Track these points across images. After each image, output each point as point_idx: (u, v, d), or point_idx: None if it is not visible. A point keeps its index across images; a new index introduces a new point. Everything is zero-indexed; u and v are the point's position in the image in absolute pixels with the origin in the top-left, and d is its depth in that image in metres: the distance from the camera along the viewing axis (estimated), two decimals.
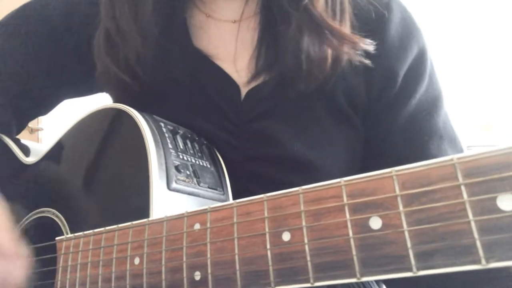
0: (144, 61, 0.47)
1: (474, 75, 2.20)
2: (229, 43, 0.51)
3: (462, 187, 0.22)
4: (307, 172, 0.48)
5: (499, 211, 0.21)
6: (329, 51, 0.45)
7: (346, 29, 0.46)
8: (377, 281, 0.55)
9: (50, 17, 0.56)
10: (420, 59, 0.51)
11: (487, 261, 0.21)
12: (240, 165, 0.48)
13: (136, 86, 0.48)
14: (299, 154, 0.48)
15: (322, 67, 0.45)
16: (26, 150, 0.57)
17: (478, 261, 0.21)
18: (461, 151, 0.52)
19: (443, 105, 0.52)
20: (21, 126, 0.62)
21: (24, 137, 0.61)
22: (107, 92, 0.57)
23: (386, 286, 0.55)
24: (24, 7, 0.58)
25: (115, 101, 0.54)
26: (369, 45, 0.46)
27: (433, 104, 0.51)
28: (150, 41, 0.47)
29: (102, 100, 0.55)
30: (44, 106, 0.63)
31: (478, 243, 0.21)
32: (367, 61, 0.46)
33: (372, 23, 0.49)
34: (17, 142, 0.58)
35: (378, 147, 0.51)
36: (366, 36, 0.46)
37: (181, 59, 0.49)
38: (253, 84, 0.48)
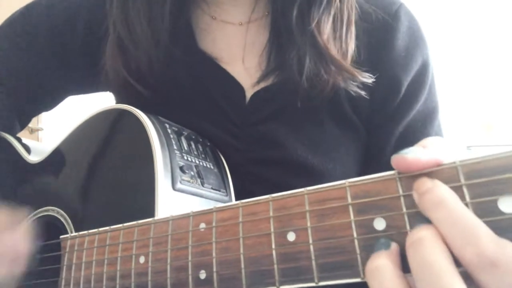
0: (155, 66, 0.48)
1: (475, 75, 2.21)
2: (235, 45, 0.51)
3: (464, 189, 0.23)
4: (310, 176, 0.49)
5: (500, 213, 0.22)
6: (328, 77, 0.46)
7: (349, 53, 0.46)
8: None
9: (52, 15, 0.56)
10: (423, 71, 0.51)
11: None
12: (243, 168, 0.49)
13: (146, 92, 0.48)
14: (302, 158, 0.48)
15: (323, 88, 0.46)
16: (28, 149, 0.57)
17: None
18: None
19: (438, 117, 0.53)
20: (24, 124, 0.63)
21: (24, 137, 0.61)
22: (112, 92, 0.58)
23: None
24: (26, 8, 0.59)
25: (119, 102, 0.54)
26: (367, 78, 0.46)
27: (429, 115, 0.52)
28: (161, 45, 0.47)
29: (104, 100, 0.56)
30: (48, 103, 0.63)
31: None
32: (363, 92, 0.47)
33: (380, 31, 0.49)
34: (19, 141, 0.59)
35: (374, 154, 0.52)
36: (373, 46, 0.47)
37: (186, 62, 0.49)
38: (258, 87, 0.49)
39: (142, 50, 0.47)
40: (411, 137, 0.51)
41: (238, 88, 0.49)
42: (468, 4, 2.23)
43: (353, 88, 0.47)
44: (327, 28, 0.45)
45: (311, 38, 0.44)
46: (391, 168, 0.25)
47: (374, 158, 0.52)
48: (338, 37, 0.46)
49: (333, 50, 0.45)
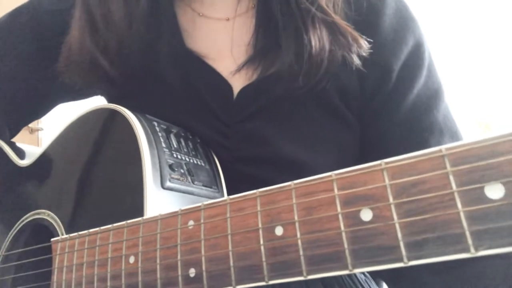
0: (124, 52, 0.46)
1: (474, 74, 2.20)
2: (222, 41, 0.50)
3: (451, 177, 0.22)
4: (299, 172, 0.46)
5: (487, 200, 0.21)
6: (327, 51, 0.44)
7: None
8: (377, 281, 0.56)
9: (41, 22, 0.55)
10: (417, 52, 0.49)
11: (476, 249, 0.21)
12: (231, 166, 0.48)
13: (116, 76, 0.47)
14: (291, 154, 0.47)
15: (319, 67, 0.44)
16: (21, 153, 0.56)
17: (467, 250, 0.21)
18: None
19: (443, 99, 0.50)
20: (15, 131, 0.62)
21: (24, 137, 0.61)
22: (98, 92, 0.57)
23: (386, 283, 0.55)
24: (15, 12, 0.58)
25: (109, 102, 0.54)
26: (366, 47, 0.45)
27: (432, 98, 0.49)
28: (134, 30, 0.46)
29: (100, 102, 0.55)
30: (38, 110, 0.63)
31: (467, 232, 0.21)
32: (358, 62, 0.45)
33: (365, 15, 0.47)
34: (12, 145, 0.58)
35: (376, 144, 0.50)
36: (358, 29, 0.45)
37: (171, 59, 0.48)
38: (245, 82, 0.48)
39: (113, 32, 0.45)
40: (416, 123, 0.48)
41: (225, 85, 0.48)
42: (467, 3, 2.22)
43: (356, 60, 0.45)
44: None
45: (320, 9, 0.43)
46: None
47: (375, 150, 0.50)
48: (333, 6, 0.45)
49: (340, 20, 0.44)
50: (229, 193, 0.46)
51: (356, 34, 0.44)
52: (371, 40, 0.45)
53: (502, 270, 0.37)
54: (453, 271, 0.40)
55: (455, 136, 0.49)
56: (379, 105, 0.49)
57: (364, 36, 0.45)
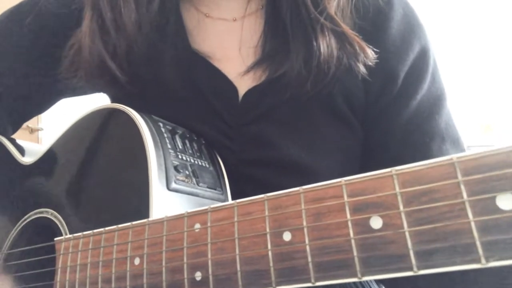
0: (133, 55, 0.47)
1: (474, 75, 2.21)
2: (228, 42, 0.50)
3: (462, 187, 0.22)
4: (303, 175, 0.48)
5: (499, 210, 0.21)
6: (335, 58, 0.45)
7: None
8: (377, 281, 0.56)
9: (43, 15, 0.55)
10: (422, 58, 0.49)
11: (487, 260, 0.21)
12: (236, 168, 0.48)
13: (124, 80, 0.47)
14: (295, 157, 0.47)
15: (327, 74, 0.45)
16: (21, 151, 0.56)
17: (478, 260, 0.21)
18: (463, 151, 0.51)
19: (446, 105, 0.50)
20: (17, 126, 0.62)
21: (24, 137, 0.61)
22: (102, 90, 0.57)
23: (385, 285, 0.55)
24: (17, 7, 0.58)
25: (113, 101, 0.54)
26: (372, 57, 0.45)
27: (435, 104, 0.49)
28: (143, 33, 0.46)
29: (102, 101, 0.55)
30: (40, 104, 0.62)
31: (478, 243, 0.21)
32: (364, 71, 0.45)
33: (372, 20, 0.47)
34: (13, 142, 0.58)
35: (377, 149, 0.50)
36: (366, 35, 0.45)
37: (176, 60, 0.48)
38: (251, 85, 0.48)
39: (123, 35, 0.46)
40: (418, 129, 0.49)
41: (230, 87, 0.48)
42: (467, 4, 2.22)
43: (362, 69, 0.45)
44: (335, 5, 0.44)
45: (329, 18, 0.44)
46: (396, 164, 0.24)
47: (376, 154, 0.50)
48: (341, 14, 0.46)
49: (349, 29, 0.44)
50: (233, 195, 0.46)
51: (363, 43, 0.45)
52: (378, 50, 0.45)
53: (499, 277, 0.37)
54: (450, 276, 0.40)
55: (456, 143, 0.50)
56: (382, 109, 0.49)
57: (370, 46, 0.45)
